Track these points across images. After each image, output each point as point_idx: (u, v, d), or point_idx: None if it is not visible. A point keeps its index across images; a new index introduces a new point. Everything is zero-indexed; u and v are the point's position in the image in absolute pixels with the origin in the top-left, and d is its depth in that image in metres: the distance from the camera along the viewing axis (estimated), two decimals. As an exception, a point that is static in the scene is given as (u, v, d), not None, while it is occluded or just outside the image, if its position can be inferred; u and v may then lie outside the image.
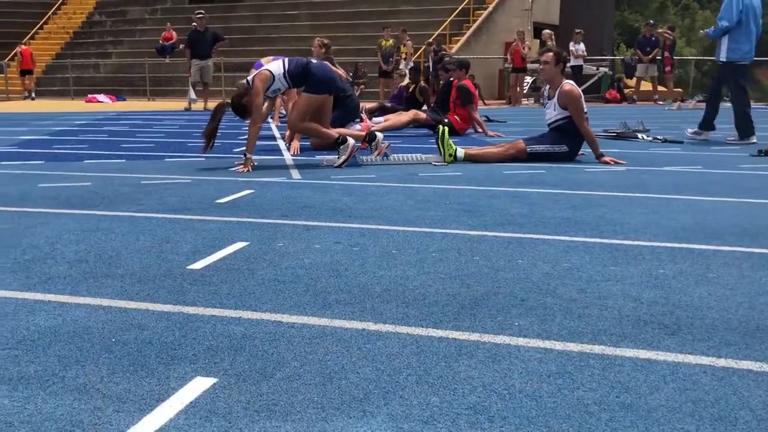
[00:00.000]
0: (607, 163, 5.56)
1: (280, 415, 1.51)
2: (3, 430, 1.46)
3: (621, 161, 5.63)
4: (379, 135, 5.91)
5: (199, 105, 13.78)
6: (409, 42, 16.14)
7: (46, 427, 1.46)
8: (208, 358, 1.81)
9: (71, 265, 2.68)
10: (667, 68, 16.01)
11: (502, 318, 2.11)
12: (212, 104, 15.00)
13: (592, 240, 3.08)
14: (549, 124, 5.79)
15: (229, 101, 5.67)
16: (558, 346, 1.90)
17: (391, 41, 16.54)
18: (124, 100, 18.78)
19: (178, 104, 15.44)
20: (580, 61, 16.00)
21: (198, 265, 2.68)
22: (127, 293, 2.34)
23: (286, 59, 5.66)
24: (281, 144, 7.19)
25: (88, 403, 1.56)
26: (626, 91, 17.44)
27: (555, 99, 5.64)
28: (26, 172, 5.19)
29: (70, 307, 2.21)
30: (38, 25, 23.93)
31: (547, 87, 5.90)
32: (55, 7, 24.96)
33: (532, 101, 17.19)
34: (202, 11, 14.47)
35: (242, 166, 5.26)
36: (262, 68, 5.63)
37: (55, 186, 4.53)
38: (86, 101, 17.49)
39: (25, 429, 1.46)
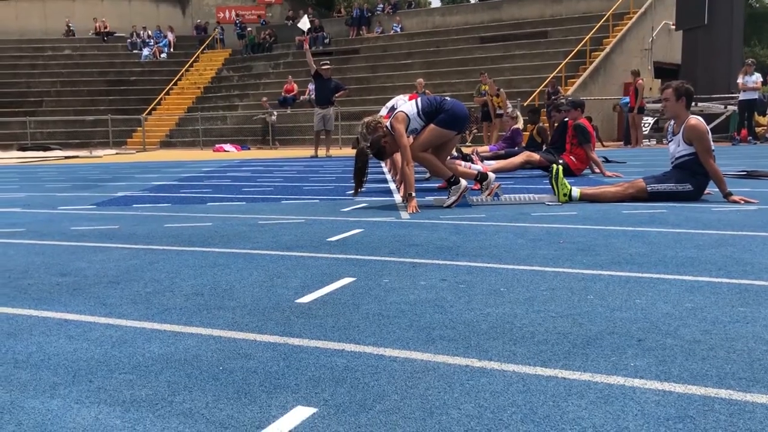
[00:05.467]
0: (736, 202, 5.19)
1: (378, 448, 1.47)
2: (113, 448, 1.51)
3: (752, 200, 5.24)
4: (491, 175, 5.85)
5: (321, 152, 14.28)
6: (501, 91, 15.93)
7: (152, 448, 1.49)
8: (310, 388, 1.81)
9: (187, 297, 2.79)
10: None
11: (617, 358, 1.98)
12: (334, 151, 15.51)
13: (719, 280, 2.86)
14: (672, 162, 5.50)
15: (368, 144, 5.84)
16: (678, 388, 1.74)
17: (487, 86, 16.48)
18: (249, 149, 19.78)
19: (299, 152, 16.08)
20: (754, 94, 15.22)
21: (306, 299, 2.71)
22: (237, 324, 2.40)
23: (418, 99, 5.75)
24: (392, 185, 7.27)
25: (192, 427, 1.59)
26: (758, 129, 16.38)
27: (680, 134, 5.36)
28: (155, 213, 5.52)
29: (183, 336, 2.29)
30: (173, 82, 25.81)
31: (672, 122, 5.63)
32: (188, 65, 26.88)
33: (654, 142, 16.52)
34: (328, 62, 15.13)
35: (410, 207, 5.24)
36: (397, 111, 5.71)
37: (179, 226, 4.79)
38: (214, 150, 18.59)
39: (133, 448, 1.50)
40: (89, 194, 7.25)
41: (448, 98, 5.85)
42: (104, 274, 3.26)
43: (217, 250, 3.83)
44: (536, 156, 8.38)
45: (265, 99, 22.12)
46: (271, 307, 2.61)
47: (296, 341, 2.20)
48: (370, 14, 27.91)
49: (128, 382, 1.89)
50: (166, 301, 2.73)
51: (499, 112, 15.39)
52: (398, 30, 26.63)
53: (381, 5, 29.15)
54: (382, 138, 5.61)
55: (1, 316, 2.56)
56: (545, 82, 18.36)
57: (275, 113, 21.37)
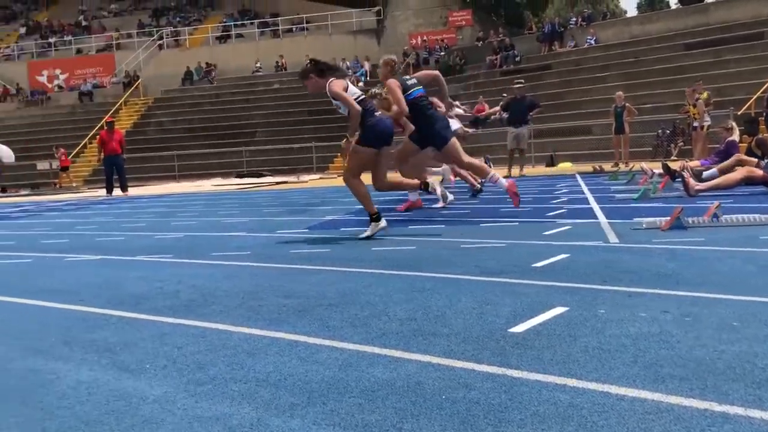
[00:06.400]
0: None
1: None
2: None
3: None
4: (432, 183, 6.21)
5: (515, 171, 14.16)
6: (700, 101, 14.58)
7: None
8: (536, 424, 1.78)
9: (402, 322, 2.89)
10: None
11: None
12: (528, 170, 15.28)
13: None
14: None
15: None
16: None
17: (705, 94, 15.21)
18: (441, 170, 20.08)
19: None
20: None
21: (519, 328, 2.69)
22: (453, 352, 2.43)
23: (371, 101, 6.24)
24: (595, 207, 7.00)
25: (423, 456, 1.64)
26: None
27: None
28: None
29: (403, 362, 2.37)
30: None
31: None
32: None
33: None
34: (522, 80, 15.04)
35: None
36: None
37: (385, 249, 4.98)
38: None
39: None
40: (301, 218, 7.79)
41: (377, 113, 5.79)
42: (323, 296, 3.47)
43: (423, 274, 3.93)
44: (759, 171, 7.62)
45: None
46: (484, 336, 2.61)
47: (515, 373, 2.18)
48: (562, 29, 27.28)
49: (358, 406, 1.99)
50: (382, 325, 2.84)
51: (695, 124, 14.29)
52: (592, 42, 25.72)
53: (574, 18, 28.38)
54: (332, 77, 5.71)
55: (240, 335, 2.83)
56: (763, 88, 16.70)
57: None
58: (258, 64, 31.42)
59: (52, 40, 35.35)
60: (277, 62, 31.05)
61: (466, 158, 6.61)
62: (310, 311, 3.17)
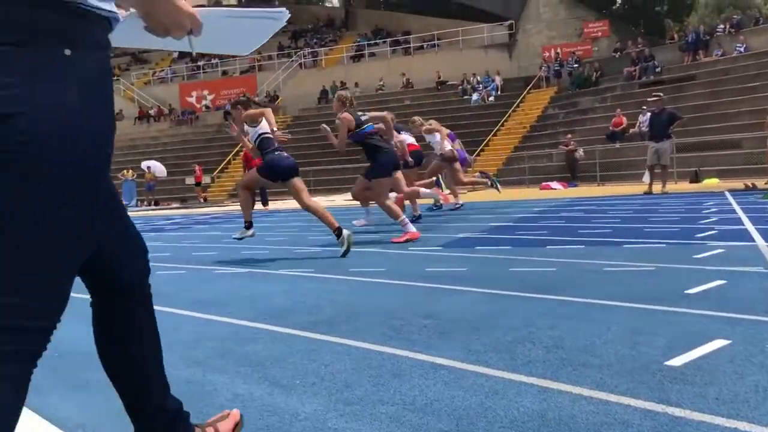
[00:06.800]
0: None
1: None
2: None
3: None
4: (345, 232, 6.29)
5: (656, 188, 13.48)
6: None
7: None
8: (706, 471, 1.65)
9: (548, 349, 2.80)
10: None
11: None
12: (670, 187, 14.52)
13: None
14: None
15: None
16: None
17: None
18: (576, 186, 19.52)
19: (628, 189, 15.37)
20: None
21: (676, 361, 2.53)
22: (607, 385, 2.32)
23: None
24: (751, 227, 6.50)
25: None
26: None
27: None
28: (497, 256, 5.71)
29: (552, 392, 2.29)
30: (500, 123, 26.77)
31: None
32: (514, 105, 27.68)
33: None
34: (660, 93, 14.34)
35: None
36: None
37: (523, 270, 4.87)
38: (540, 188, 18.71)
39: None
40: (434, 235, 7.81)
41: (278, 150, 6.57)
42: (463, 318, 3.44)
43: (567, 298, 3.80)
44: None
45: (569, 136, 21.91)
46: (639, 368, 2.48)
47: (677, 411, 2.05)
48: (707, 36, 25.72)
49: (509, 437, 1.94)
50: (527, 352, 2.77)
51: None
52: (742, 50, 24.05)
53: (721, 25, 26.70)
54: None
55: (383, 354, 2.86)
56: None
57: (581, 150, 20.96)
58: (381, 82, 32.02)
59: (200, 63, 37.88)
60: (406, 78, 31.50)
61: (384, 199, 7.39)
62: (451, 333, 3.15)
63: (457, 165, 11.39)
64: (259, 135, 6.66)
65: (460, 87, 29.93)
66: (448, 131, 11.82)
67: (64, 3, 1.21)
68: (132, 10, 1.39)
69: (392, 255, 6.27)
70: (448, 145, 11.22)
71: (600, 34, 29.65)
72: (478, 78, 29.83)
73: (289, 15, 1.63)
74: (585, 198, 13.65)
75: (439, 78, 30.84)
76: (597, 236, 6.77)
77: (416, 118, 11.64)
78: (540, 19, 30.51)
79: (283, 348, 3.06)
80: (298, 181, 6.54)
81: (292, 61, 35.36)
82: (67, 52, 1.20)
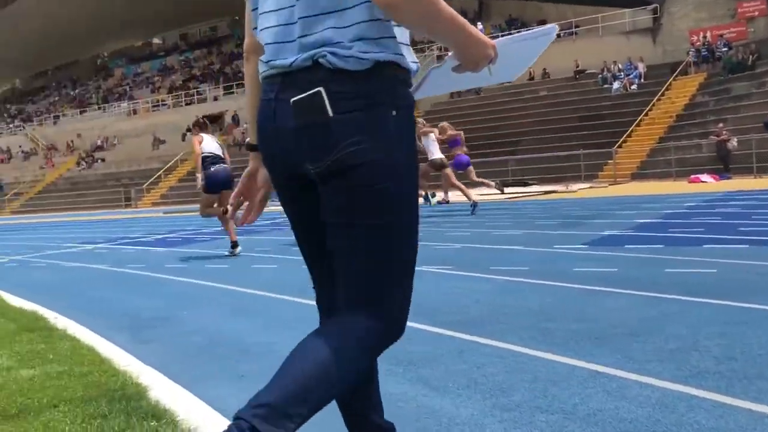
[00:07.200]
0: None
1: None
2: None
3: None
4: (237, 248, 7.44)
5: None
6: None
7: None
8: None
9: (719, 360, 2.60)
10: None
11: None
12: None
13: None
14: None
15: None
16: None
17: None
18: (729, 178, 18.19)
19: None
20: None
21: None
22: (793, 404, 2.12)
23: None
24: None
25: None
26: None
27: None
28: (650, 255, 5.41)
29: (729, 409, 2.11)
30: (643, 113, 25.43)
31: None
32: (659, 93, 26.17)
33: None
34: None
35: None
36: None
37: (680, 272, 4.58)
38: (689, 182, 17.60)
39: None
40: (577, 232, 7.53)
41: (220, 163, 7.54)
42: (619, 323, 3.28)
43: (733, 303, 3.52)
44: None
45: (721, 125, 20.35)
46: (830, 387, 2.24)
47: None
48: None
49: (685, 456, 1.81)
50: (695, 362, 2.59)
51: None
52: None
53: None
54: None
55: (537, 359, 2.77)
56: None
57: (735, 139, 19.40)
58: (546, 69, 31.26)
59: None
60: (543, 68, 30.67)
61: None
62: (608, 339, 3.00)
63: (448, 170, 12.00)
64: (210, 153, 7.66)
65: (600, 76, 28.75)
66: (456, 134, 12.33)
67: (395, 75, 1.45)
68: (435, 63, 1.53)
69: (535, 253, 6.11)
70: (437, 153, 11.69)
71: (757, 13, 27.34)
72: (620, 66, 28.50)
73: (558, 29, 1.64)
74: (741, 192, 12.67)
75: (577, 67, 29.77)
76: (761, 234, 6.24)
77: (419, 120, 11.91)
78: (687, 1, 28.63)
79: (433, 347, 3.05)
80: (227, 194, 7.40)
81: (425, 56, 35.48)
82: (393, 113, 1.45)
